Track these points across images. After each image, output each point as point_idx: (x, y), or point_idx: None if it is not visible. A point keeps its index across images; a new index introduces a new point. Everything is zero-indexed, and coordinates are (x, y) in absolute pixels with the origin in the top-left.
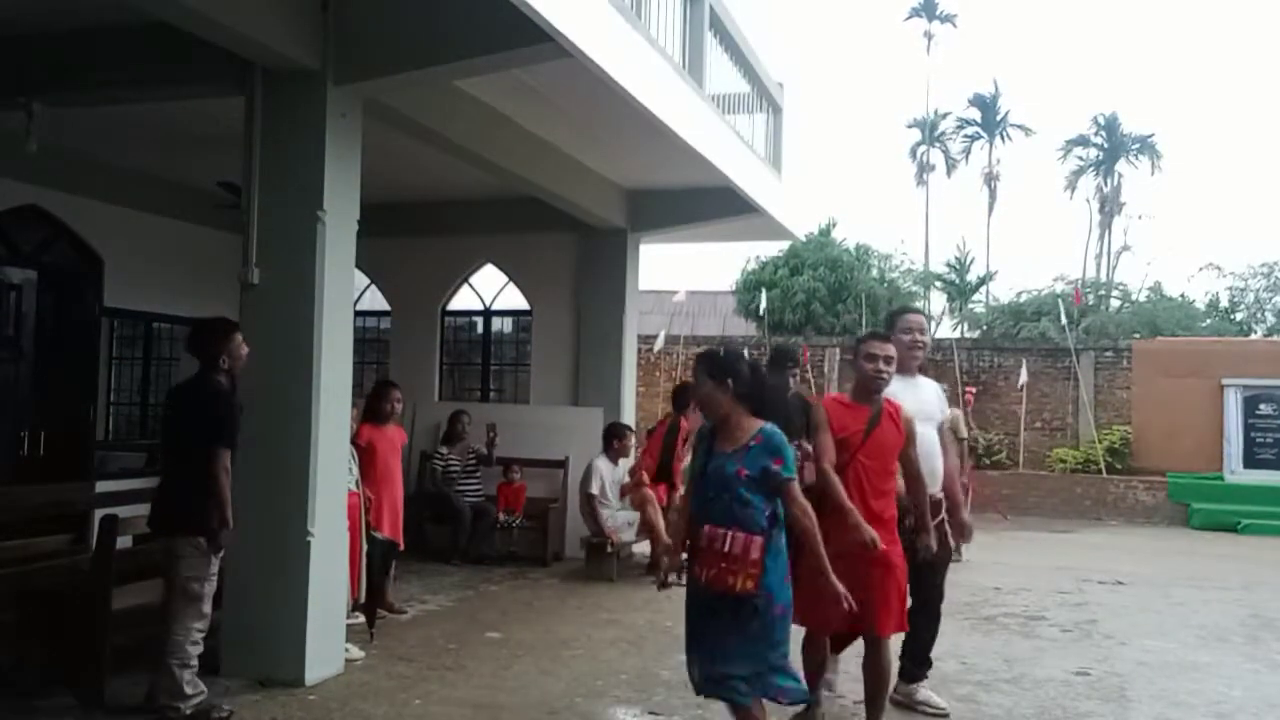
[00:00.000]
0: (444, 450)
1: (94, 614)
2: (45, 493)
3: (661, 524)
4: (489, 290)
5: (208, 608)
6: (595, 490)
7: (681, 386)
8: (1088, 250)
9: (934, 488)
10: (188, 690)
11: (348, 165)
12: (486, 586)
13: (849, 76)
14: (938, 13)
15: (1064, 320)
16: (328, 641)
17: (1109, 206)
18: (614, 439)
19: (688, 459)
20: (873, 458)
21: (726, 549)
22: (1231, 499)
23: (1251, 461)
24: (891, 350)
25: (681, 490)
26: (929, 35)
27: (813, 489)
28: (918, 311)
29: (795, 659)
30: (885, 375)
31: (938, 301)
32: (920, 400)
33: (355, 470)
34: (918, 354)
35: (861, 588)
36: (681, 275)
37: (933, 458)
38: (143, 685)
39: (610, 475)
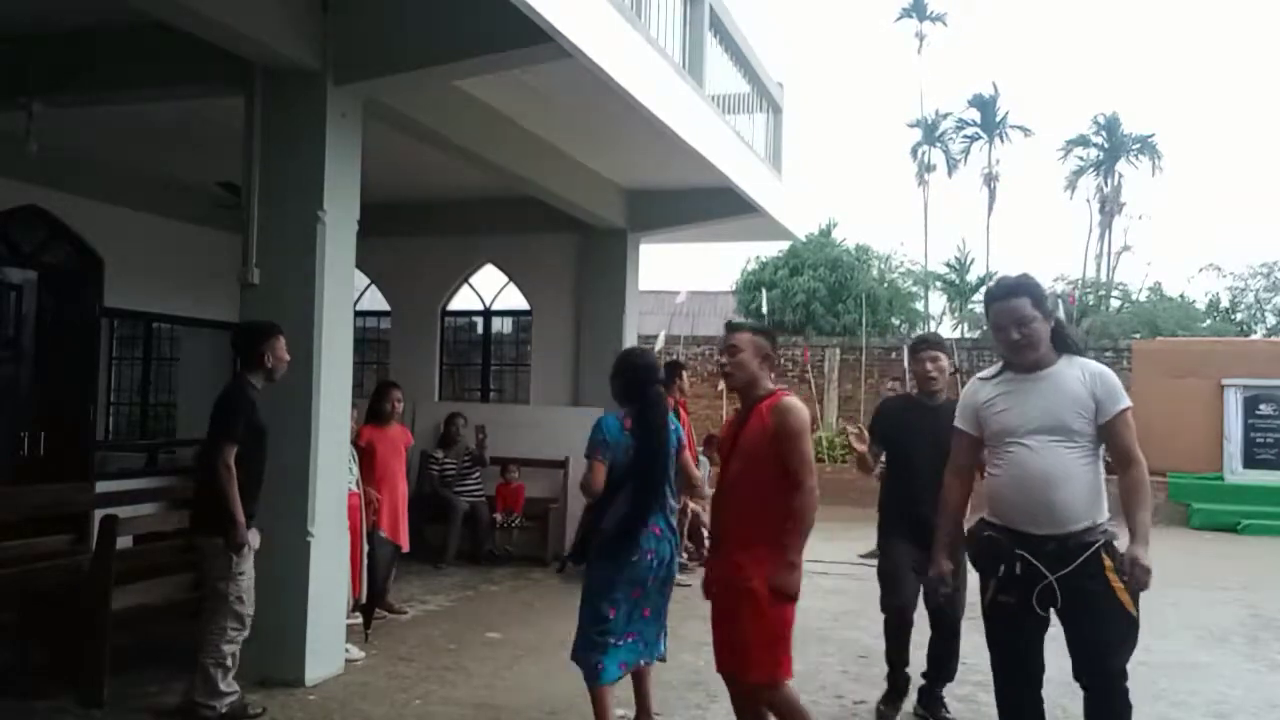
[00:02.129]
0: (439, 454)
1: (94, 614)
2: (45, 493)
3: None
4: (489, 290)
5: (241, 607)
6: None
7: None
8: (1088, 250)
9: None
10: (222, 688)
11: (348, 165)
12: (486, 586)
13: (849, 76)
14: (928, 13)
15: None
16: (328, 641)
17: (1109, 206)
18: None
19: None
20: (738, 463)
21: None
22: (1231, 499)
23: (1251, 461)
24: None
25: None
26: (920, 36)
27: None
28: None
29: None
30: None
31: (938, 302)
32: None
33: (355, 470)
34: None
35: (719, 623)
36: (681, 275)
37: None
38: (142, 685)
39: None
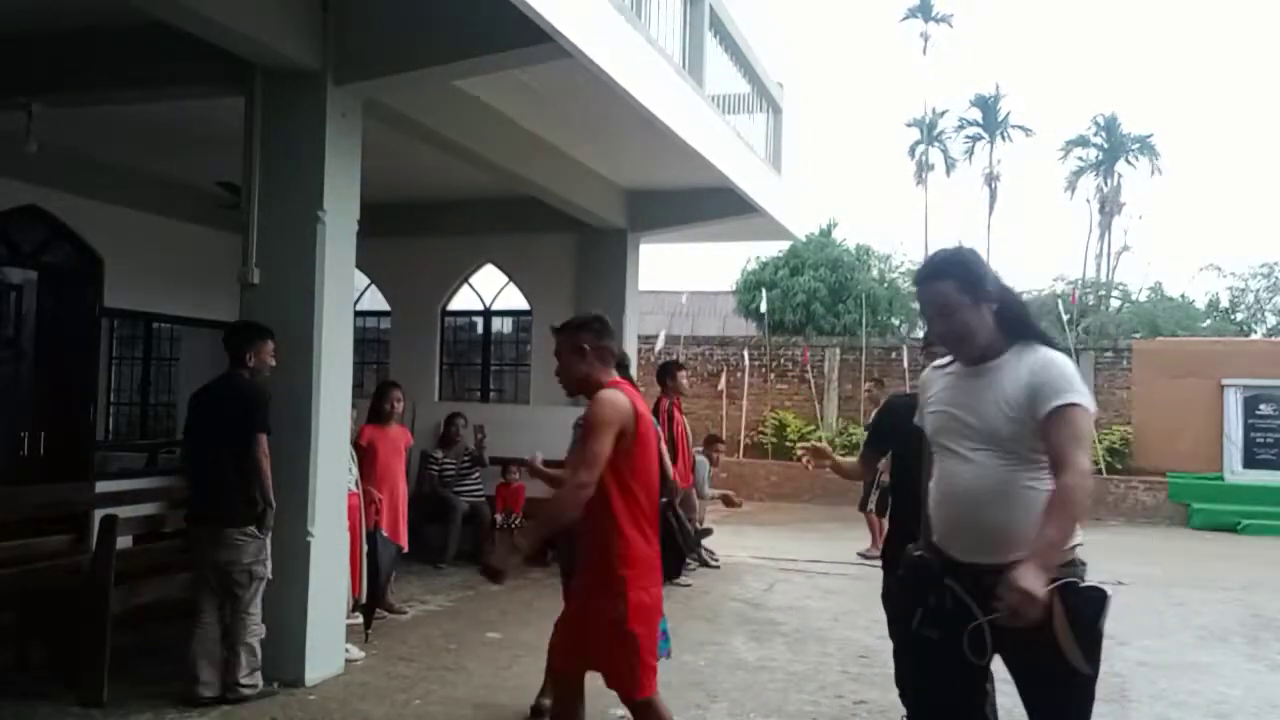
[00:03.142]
0: (439, 454)
1: (94, 614)
2: (45, 493)
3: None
4: (489, 290)
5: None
6: None
7: (665, 364)
8: (1088, 250)
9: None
10: (259, 665)
11: (348, 165)
12: (486, 586)
13: (849, 76)
14: (933, 14)
15: (1064, 320)
16: (328, 641)
17: (1109, 207)
18: None
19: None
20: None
21: None
22: (1231, 499)
23: (1251, 461)
24: None
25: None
26: (925, 36)
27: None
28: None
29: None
30: None
31: None
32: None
33: (355, 470)
34: None
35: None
36: (682, 275)
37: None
38: (142, 685)
39: None
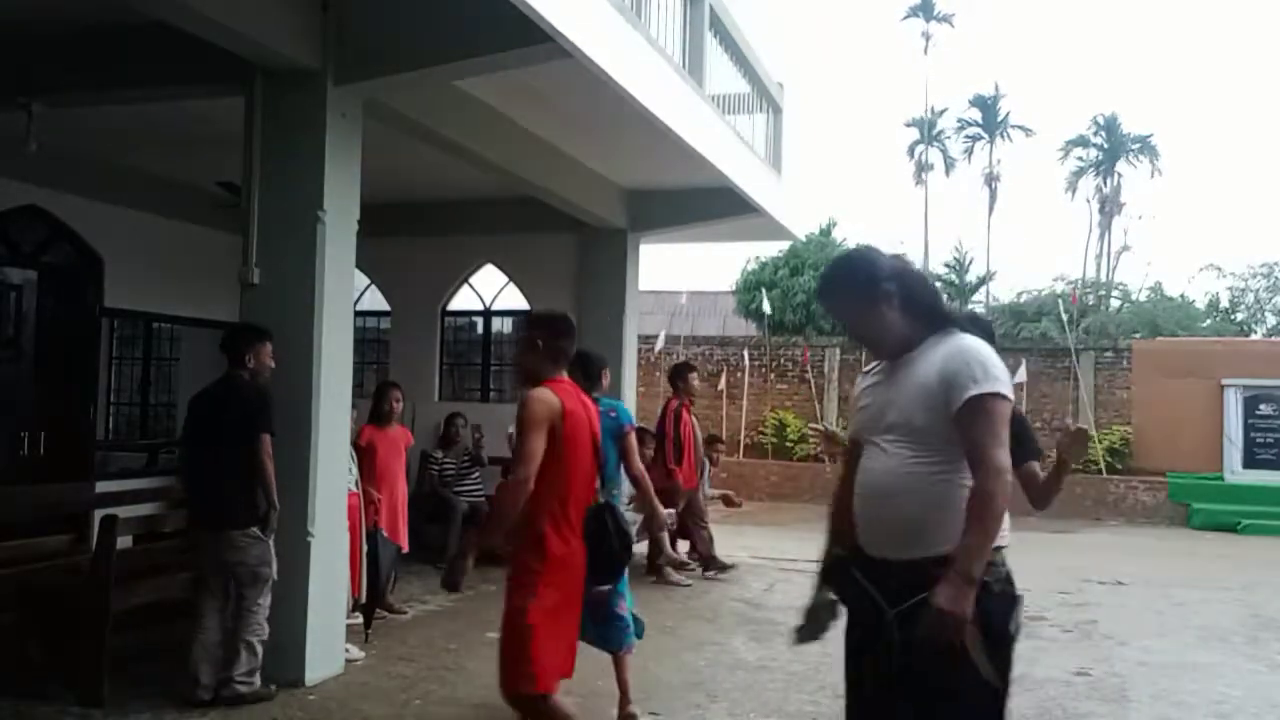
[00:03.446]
0: (439, 454)
1: (94, 614)
2: (45, 493)
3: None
4: (489, 290)
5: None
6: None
7: (677, 366)
8: (1088, 250)
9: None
10: (258, 665)
11: (348, 165)
12: (486, 586)
13: (849, 76)
14: (935, 13)
15: (1064, 320)
16: (328, 641)
17: (1109, 207)
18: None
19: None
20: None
21: None
22: (1231, 499)
23: (1251, 461)
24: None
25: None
26: (926, 35)
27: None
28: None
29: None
30: None
31: None
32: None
33: (355, 470)
34: None
35: None
36: (682, 275)
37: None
38: (142, 685)
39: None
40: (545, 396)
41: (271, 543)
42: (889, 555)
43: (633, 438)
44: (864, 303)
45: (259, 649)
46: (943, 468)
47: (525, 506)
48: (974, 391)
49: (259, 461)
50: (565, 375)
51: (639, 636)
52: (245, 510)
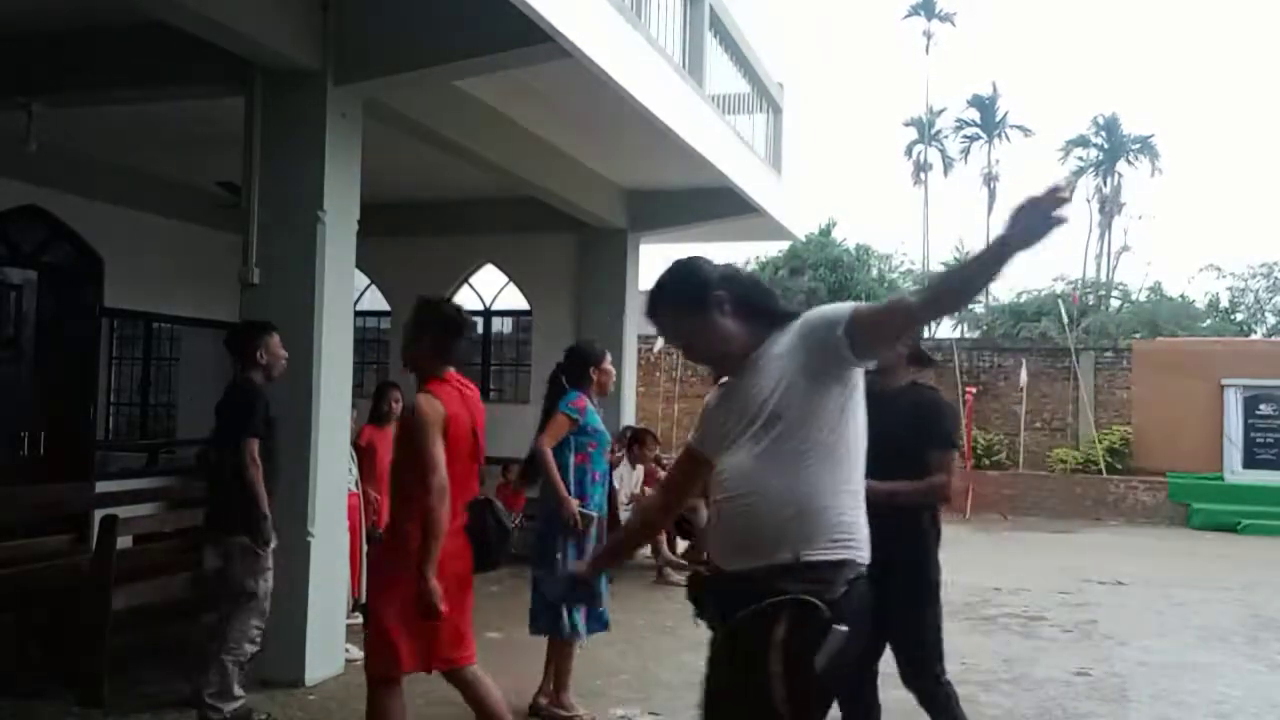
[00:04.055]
0: None
1: (94, 614)
2: (45, 493)
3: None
4: (489, 290)
5: (266, 605)
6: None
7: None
8: (1088, 250)
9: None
10: (235, 691)
11: (348, 165)
12: (486, 586)
13: (849, 76)
14: (937, 11)
15: (1064, 320)
16: (328, 641)
17: (1109, 207)
18: (636, 444)
19: None
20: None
21: None
22: (1231, 499)
23: (1251, 461)
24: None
25: None
26: (928, 35)
27: None
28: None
29: None
30: None
31: None
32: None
33: (354, 470)
34: None
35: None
36: None
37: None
38: (142, 685)
39: (630, 480)
40: (432, 404)
41: (266, 557)
42: (728, 567)
43: (557, 420)
44: (692, 314)
45: (231, 670)
46: (799, 453)
47: (400, 502)
48: (847, 313)
49: (241, 466)
50: (452, 370)
51: (602, 629)
52: (230, 517)
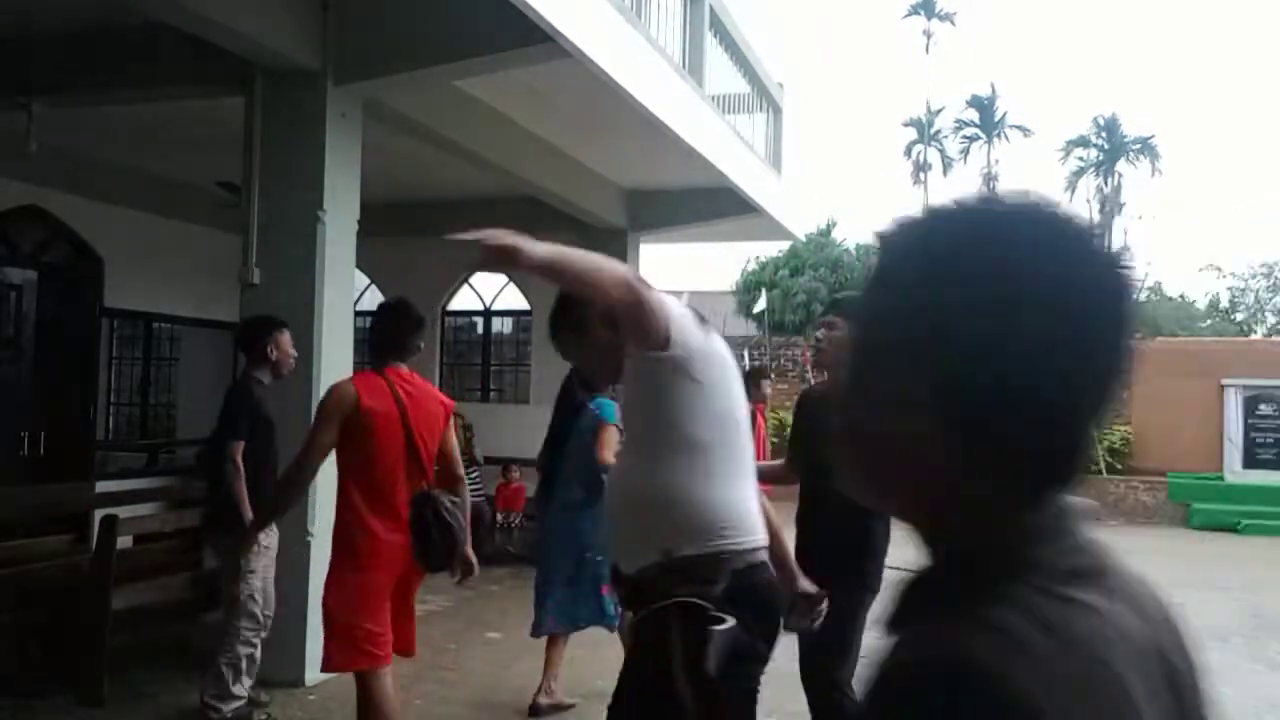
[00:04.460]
0: None
1: (94, 614)
2: (45, 493)
3: None
4: (489, 290)
5: (256, 607)
6: None
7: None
8: None
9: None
10: (234, 691)
11: (348, 165)
12: (486, 586)
13: (849, 76)
14: (937, 10)
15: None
16: None
17: (1109, 207)
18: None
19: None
20: None
21: None
22: (1231, 499)
23: (1251, 461)
24: None
25: None
26: (928, 34)
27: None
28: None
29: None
30: None
31: None
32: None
33: None
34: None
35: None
36: (682, 275)
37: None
38: (142, 685)
39: None
40: (342, 392)
41: (253, 561)
42: (621, 569)
43: (606, 431)
44: (573, 331)
45: (227, 674)
46: (654, 451)
47: (340, 502)
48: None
49: (225, 469)
50: (400, 367)
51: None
52: (216, 518)
